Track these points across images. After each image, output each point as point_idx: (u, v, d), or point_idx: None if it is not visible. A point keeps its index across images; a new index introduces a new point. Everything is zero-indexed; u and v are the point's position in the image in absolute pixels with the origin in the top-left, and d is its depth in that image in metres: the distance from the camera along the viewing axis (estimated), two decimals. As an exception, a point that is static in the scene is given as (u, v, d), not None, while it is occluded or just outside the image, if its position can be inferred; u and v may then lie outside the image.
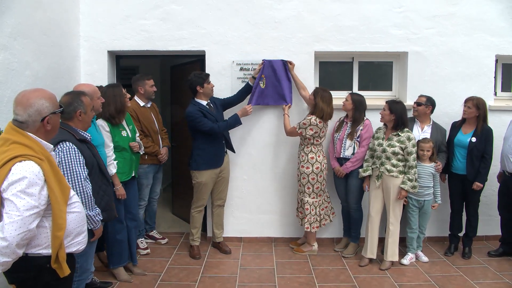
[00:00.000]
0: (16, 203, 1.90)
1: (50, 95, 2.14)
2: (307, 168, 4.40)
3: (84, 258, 3.04)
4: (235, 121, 4.38)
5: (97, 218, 2.73)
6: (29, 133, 2.05)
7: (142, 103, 4.53)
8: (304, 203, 4.46)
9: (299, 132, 4.36)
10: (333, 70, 5.25)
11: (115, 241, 3.79)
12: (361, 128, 4.37)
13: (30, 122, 2.05)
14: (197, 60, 5.09)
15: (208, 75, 4.39)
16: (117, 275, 3.89)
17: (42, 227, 2.04)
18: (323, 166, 4.42)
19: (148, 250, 4.59)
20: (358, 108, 4.37)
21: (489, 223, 4.87)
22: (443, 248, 4.75)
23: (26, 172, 1.93)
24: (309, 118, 4.32)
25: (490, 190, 4.66)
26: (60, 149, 2.61)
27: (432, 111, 4.51)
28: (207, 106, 4.35)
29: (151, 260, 4.40)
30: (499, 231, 4.64)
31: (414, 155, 4.07)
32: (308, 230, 4.48)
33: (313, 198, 4.46)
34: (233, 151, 4.68)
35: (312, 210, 4.46)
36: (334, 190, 4.72)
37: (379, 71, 5.26)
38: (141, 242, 4.63)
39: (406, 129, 4.12)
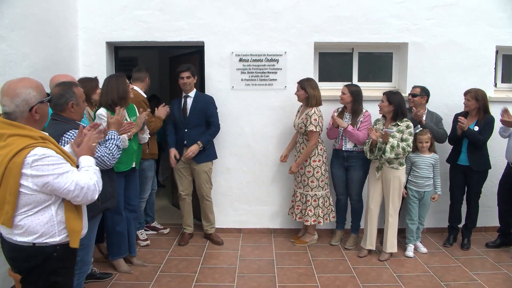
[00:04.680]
0: (58, 172, 1.97)
1: (37, 84, 2.08)
2: (319, 160, 4.39)
3: (85, 251, 3.04)
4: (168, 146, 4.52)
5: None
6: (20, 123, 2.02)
7: (144, 95, 4.52)
8: (318, 197, 4.42)
9: (320, 131, 4.29)
10: (333, 61, 5.22)
11: (115, 233, 3.80)
12: (361, 119, 4.34)
13: (18, 113, 2.00)
14: (196, 51, 5.05)
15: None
16: (117, 266, 3.90)
17: (50, 215, 2.03)
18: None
19: (148, 242, 4.60)
20: (356, 100, 4.34)
21: (488, 214, 4.86)
22: (442, 239, 4.76)
23: (43, 153, 1.94)
24: (312, 112, 4.25)
25: (490, 181, 4.64)
26: (69, 138, 2.57)
27: (427, 101, 4.51)
28: (183, 99, 4.44)
29: (151, 251, 4.42)
30: (498, 222, 4.64)
31: (409, 142, 4.01)
32: (315, 222, 4.46)
33: (326, 189, 4.48)
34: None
35: (326, 201, 4.48)
36: (330, 183, 4.68)
37: (379, 62, 5.23)
38: (141, 234, 4.64)
39: (405, 119, 4.11)
